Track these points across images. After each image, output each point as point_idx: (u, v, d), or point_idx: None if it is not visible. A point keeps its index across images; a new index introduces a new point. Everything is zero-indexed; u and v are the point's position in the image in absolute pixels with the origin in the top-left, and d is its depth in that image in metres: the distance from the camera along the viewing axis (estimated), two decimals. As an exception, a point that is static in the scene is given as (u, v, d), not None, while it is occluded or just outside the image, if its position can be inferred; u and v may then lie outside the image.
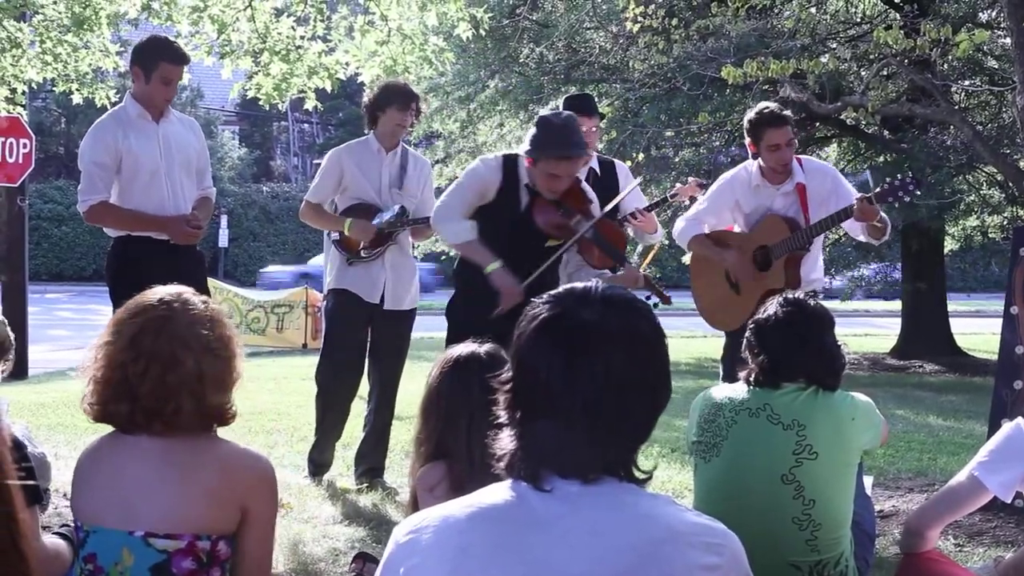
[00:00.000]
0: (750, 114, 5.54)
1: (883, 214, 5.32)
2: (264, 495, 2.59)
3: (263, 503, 2.59)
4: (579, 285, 1.85)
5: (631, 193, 6.05)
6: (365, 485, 5.69)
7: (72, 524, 2.62)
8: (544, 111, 11.97)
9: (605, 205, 5.85)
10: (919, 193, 5.61)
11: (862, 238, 5.57)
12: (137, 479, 2.51)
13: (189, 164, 5.61)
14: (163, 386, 2.50)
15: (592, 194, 5.22)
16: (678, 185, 6.50)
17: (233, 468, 2.56)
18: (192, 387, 2.52)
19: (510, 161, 5.10)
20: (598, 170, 5.93)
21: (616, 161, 6.25)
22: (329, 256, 6.09)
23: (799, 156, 5.68)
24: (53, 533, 2.79)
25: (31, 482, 2.45)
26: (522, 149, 4.99)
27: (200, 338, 2.55)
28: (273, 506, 2.64)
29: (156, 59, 5.43)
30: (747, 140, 5.57)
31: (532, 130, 5.01)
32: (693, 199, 6.13)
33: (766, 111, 5.43)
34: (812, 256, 5.54)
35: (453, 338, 4.98)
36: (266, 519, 2.60)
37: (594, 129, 5.89)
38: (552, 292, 1.85)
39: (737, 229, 5.72)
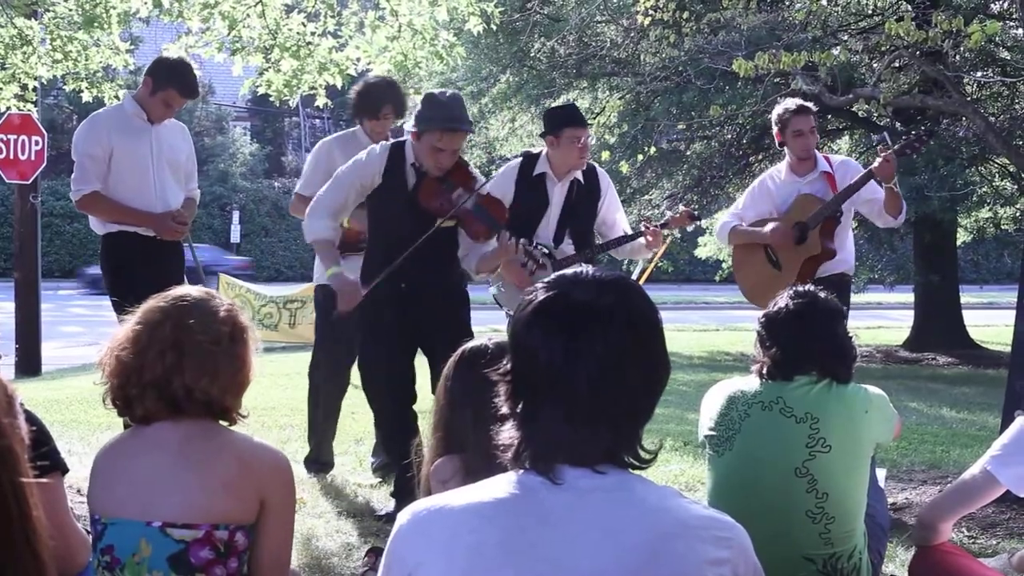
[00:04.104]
0: (778, 107, 5.86)
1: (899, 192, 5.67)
2: (282, 487, 2.62)
3: (281, 495, 2.62)
4: (569, 270, 1.86)
5: (614, 202, 5.94)
6: (379, 480, 5.71)
7: (89, 518, 2.64)
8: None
9: (586, 211, 5.75)
10: (932, 143, 6.25)
11: (879, 222, 5.88)
12: (154, 471, 2.55)
13: (177, 167, 5.77)
14: (174, 372, 2.55)
15: (477, 172, 5.23)
16: (668, 213, 6.32)
17: (250, 460, 2.59)
18: (202, 378, 2.57)
19: (396, 144, 5.13)
20: (581, 178, 5.76)
21: (596, 166, 6.18)
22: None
23: (825, 155, 5.99)
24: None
25: (46, 454, 2.45)
26: (408, 126, 5.04)
27: (214, 334, 2.61)
28: (291, 499, 2.66)
29: (168, 82, 5.58)
30: (775, 130, 5.88)
31: (418, 106, 5.05)
32: (684, 229, 6.48)
33: (792, 103, 5.81)
34: (841, 233, 5.78)
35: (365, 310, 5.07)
36: (284, 511, 2.63)
37: (588, 139, 5.84)
38: (544, 279, 1.85)
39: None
